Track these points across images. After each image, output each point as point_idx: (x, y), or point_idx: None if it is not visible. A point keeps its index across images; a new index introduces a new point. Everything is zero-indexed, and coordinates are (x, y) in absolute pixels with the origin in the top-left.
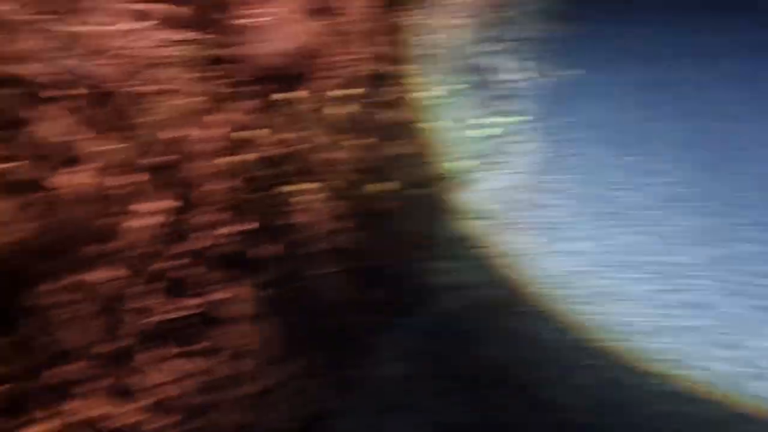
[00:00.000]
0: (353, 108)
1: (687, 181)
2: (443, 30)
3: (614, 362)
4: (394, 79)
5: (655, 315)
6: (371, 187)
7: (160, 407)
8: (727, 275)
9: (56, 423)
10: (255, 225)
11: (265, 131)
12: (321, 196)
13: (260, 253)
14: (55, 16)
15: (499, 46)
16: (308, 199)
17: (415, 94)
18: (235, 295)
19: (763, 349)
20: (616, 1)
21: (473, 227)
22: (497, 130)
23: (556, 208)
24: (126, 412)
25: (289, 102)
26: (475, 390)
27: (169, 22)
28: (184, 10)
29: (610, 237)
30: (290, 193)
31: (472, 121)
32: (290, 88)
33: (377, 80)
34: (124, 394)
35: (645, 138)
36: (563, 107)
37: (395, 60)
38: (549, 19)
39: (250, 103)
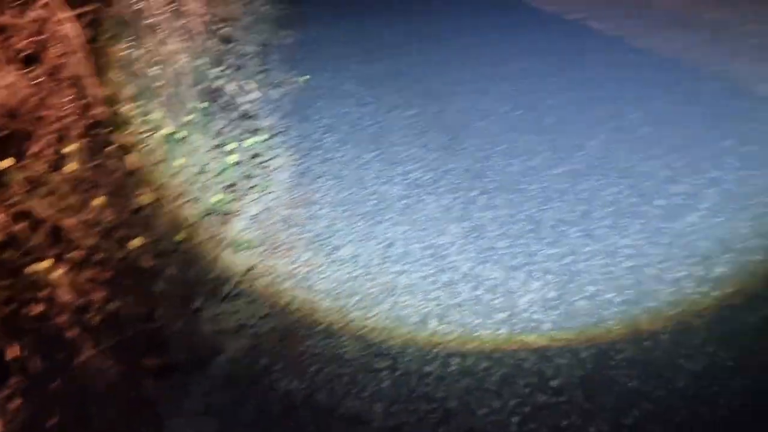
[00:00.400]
0: (86, 162)
1: (428, 163)
2: (168, 59)
3: (412, 359)
4: (125, 121)
5: (431, 300)
6: (127, 245)
7: None
8: (483, 243)
9: None
10: None
11: None
12: (70, 267)
13: (7, 353)
14: None
15: (228, 65)
16: (56, 275)
17: (152, 133)
18: None
19: (531, 303)
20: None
21: (245, 259)
22: (246, 153)
23: (321, 219)
24: None
25: (9, 169)
26: (280, 422)
27: None
28: None
29: (377, 234)
30: (33, 274)
31: (219, 149)
32: (6, 153)
33: (107, 126)
34: None
35: (383, 130)
36: (303, 115)
37: (123, 100)
38: (270, 29)
39: None
